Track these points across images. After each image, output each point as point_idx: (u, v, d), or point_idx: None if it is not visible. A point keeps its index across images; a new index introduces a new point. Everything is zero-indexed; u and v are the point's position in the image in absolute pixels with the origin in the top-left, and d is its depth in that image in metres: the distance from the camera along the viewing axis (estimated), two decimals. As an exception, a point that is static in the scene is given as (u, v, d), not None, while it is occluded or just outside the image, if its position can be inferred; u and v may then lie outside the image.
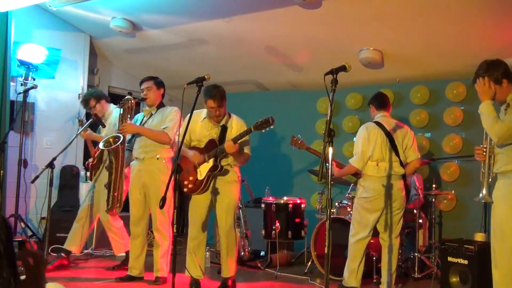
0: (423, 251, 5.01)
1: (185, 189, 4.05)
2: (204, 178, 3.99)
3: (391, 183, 4.13)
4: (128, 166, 4.60)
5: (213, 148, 4.00)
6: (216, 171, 3.98)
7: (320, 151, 4.79)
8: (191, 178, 4.04)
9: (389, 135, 4.19)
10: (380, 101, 4.40)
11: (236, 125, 4.11)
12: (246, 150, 4.14)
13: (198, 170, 4.03)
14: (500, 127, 2.94)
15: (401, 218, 4.20)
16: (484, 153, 3.12)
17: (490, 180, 3.13)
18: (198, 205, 4.13)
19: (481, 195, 3.18)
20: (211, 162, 3.99)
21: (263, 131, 3.86)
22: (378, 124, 4.25)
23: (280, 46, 5.83)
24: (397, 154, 4.18)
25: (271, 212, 5.29)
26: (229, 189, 4.10)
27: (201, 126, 4.11)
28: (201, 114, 4.14)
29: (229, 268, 4.17)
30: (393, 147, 4.18)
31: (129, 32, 5.84)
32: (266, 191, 5.66)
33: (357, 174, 4.36)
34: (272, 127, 3.82)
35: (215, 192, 4.08)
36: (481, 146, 3.17)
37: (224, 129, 4.09)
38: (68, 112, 6.22)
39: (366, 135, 4.21)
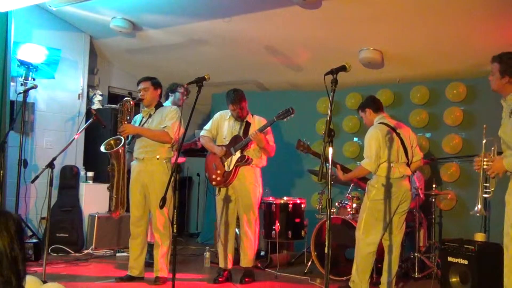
0: (423, 251, 5.01)
1: (213, 183, 4.56)
2: (232, 169, 4.45)
3: (402, 184, 4.06)
4: (128, 168, 4.60)
5: (239, 142, 4.48)
6: (243, 161, 4.45)
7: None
8: (219, 171, 4.51)
9: (399, 136, 4.11)
10: (377, 104, 4.31)
11: (258, 121, 4.58)
12: (270, 141, 4.59)
13: (225, 163, 4.49)
14: None
15: (404, 220, 4.18)
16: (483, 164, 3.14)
17: (490, 196, 3.14)
18: (219, 207, 4.60)
19: (476, 208, 3.18)
20: (237, 154, 4.47)
21: (285, 120, 4.34)
22: (387, 125, 4.15)
23: (280, 46, 5.83)
24: (407, 155, 4.11)
25: (271, 212, 5.29)
26: (249, 189, 4.51)
27: (228, 124, 4.61)
28: (227, 114, 4.64)
29: (248, 258, 4.57)
30: (403, 148, 4.10)
31: (129, 32, 5.84)
32: (266, 191, 5.65)
33: (364, 178, 4.32)
34: (292, 115, 4.29)
35: (237, 193, 4.53)
36: (479, 158, 3.19)
37: (247, 125, 4.56)
38: (68, 112, 6.22)
39: (379, 137, 4.04)
